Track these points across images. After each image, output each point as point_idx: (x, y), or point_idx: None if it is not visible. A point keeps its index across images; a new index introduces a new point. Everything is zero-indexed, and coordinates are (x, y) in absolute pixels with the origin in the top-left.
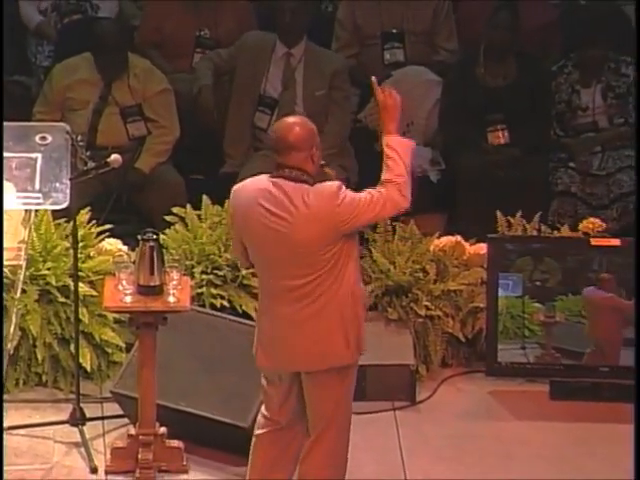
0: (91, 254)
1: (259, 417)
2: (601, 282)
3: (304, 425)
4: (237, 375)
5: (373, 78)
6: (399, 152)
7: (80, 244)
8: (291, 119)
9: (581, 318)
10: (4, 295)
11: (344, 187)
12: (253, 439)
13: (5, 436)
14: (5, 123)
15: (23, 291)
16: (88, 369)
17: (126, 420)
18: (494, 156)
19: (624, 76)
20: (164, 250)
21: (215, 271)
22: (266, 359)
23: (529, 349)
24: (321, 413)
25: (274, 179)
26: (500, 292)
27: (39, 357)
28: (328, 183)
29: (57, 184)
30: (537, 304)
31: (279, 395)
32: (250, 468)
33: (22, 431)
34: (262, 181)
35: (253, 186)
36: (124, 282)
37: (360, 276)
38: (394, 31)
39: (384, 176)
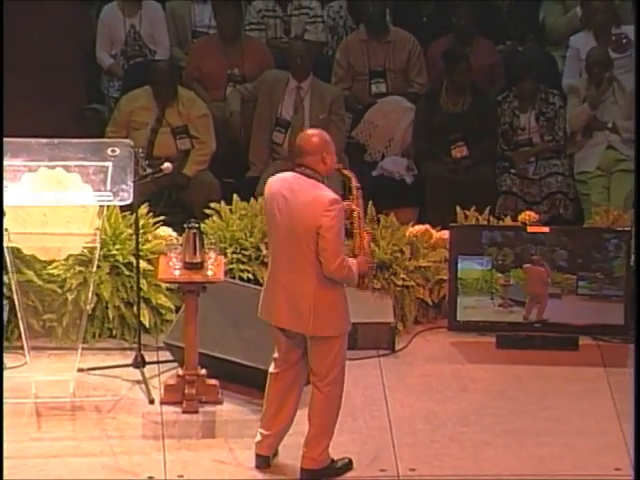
0: (149, 238)
1: (272, 359)
2: (534, 260)
3: (305, 368)
4: (257, 330)
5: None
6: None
7: (140, 231)
8: (310, 131)
9: (522, 281)
10: (84, 269)
11: (338, 204)
12: (268, 376)
13: (85, 375)
14: (84, 140)
15: (98, 266)
16: (147, 325)
17: (175, 364)
18: (454, 165)
19: (552, 104)
20: (204, 235)
21: (242, 251)
22: (264, 313)
23: (495, 300)
24: (318, 370)
25: (293, 173)
26: (479, 267)
27: (110, 316)
28: (327, 195)
29: (123, 185)
30: (499, 274)
31: (285, 343)
32: (265, 399)
33: (97, 371)
34: (285, 175)
35: (279, 179)
36: (174, 260)
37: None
38: (378, 69)
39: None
